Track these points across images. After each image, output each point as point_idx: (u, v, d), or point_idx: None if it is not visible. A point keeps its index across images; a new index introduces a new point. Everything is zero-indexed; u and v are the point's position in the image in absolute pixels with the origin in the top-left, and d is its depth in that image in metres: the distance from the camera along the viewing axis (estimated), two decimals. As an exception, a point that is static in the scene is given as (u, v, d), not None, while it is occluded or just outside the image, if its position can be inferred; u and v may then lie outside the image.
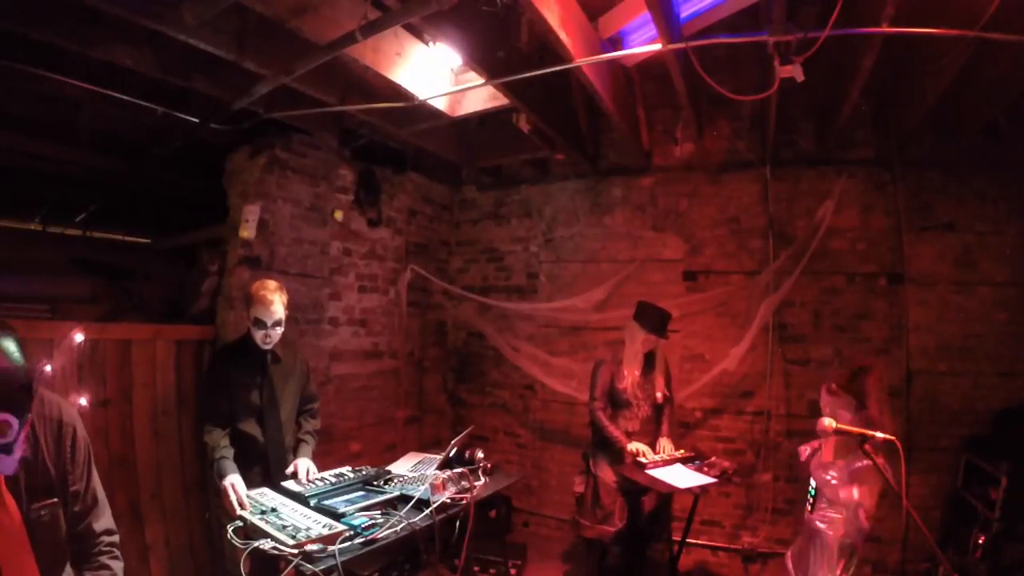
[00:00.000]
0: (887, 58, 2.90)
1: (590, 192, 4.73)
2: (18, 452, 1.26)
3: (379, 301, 4.44)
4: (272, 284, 2.61)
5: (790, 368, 4.04)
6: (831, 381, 2.54)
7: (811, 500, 2.43)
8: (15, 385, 1.23)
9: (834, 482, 2.29)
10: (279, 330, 2.61)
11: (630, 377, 3.31)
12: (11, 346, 1.27)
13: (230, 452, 2.46)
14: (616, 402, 3.33)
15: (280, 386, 2.71)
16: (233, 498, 2.25)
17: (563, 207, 4.84)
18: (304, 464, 2.63)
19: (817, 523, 2.34)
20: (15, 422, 1.22)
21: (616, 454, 3.21)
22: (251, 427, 2.61)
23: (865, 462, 1.98)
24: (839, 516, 2.25)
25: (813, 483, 2.43)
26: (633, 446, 3.13)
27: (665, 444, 3.31)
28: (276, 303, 2.56)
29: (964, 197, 3.79)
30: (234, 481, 2.31)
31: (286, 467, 2.66)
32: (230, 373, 2.62)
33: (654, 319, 3.27)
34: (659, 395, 3.37)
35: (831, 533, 2.28)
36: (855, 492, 2.26)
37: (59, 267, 3.76)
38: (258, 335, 2.58)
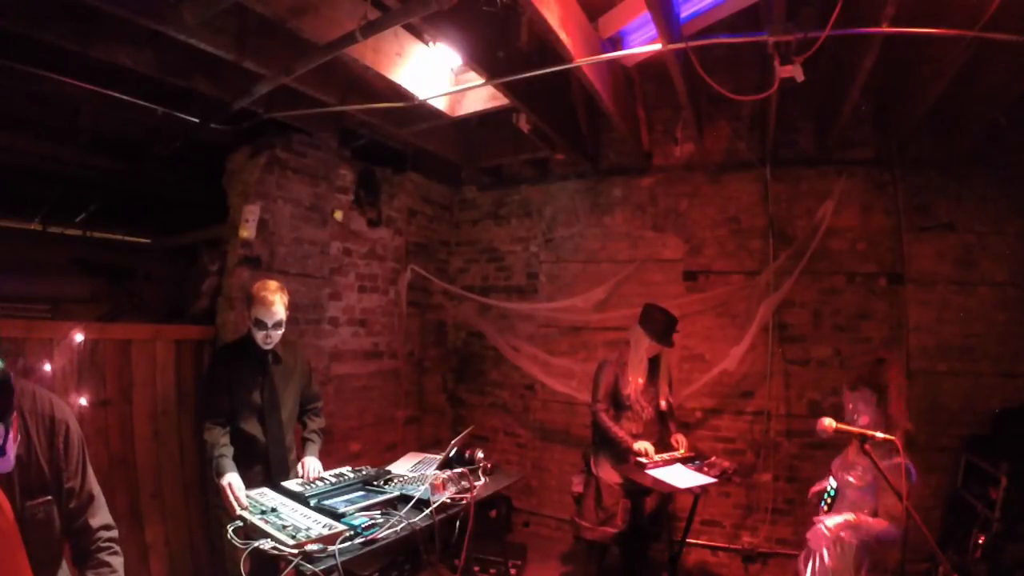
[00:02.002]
0: (887, 58, 2.90)
1: (590, 192, 4.73)
2: (11, 451, 1.25)
3: (379, 301, 4.44)
4: (273, 284, 2.60)
5: (790, 368, 4.04)
6: (850, 381, 2.48)
7: (828, 500, 2.35)
8: None
9: (856, 483, 2.21)
10: (280, 331, 2.61)
11: (634, 383, 3.29)
12: None
13: (229, 451, 2.46)
14: (619, 404, 3.33)
15: (281, 386, 2.70)
16: (231, 497, 2.25)
17: (563, 207, 4.84)
18: (311, 463, 2.64)
19: (835, 524, 2.26)
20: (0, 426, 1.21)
21: (620, 454, 3.20)
22: (252, 427, 2.61)
23: (894, 460, 1.92)
24: (860, 519, 2.16)
25: (833, 483, 2.34)
26: (639, 445, 3.13)
27: (682, 440, 3.35)
28: (277, 304, 2.55)
29: (964, 197, 3.79)
30: (232, 480, 2.31)
31: (287, 467, 2.66)
32: (231, 373, 2.62)
33: (659, 326, 3.24)
34: (663, 403, 3.38)
35: (848, 536, 2.18)
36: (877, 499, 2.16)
37: (59, 267, 3.76)
38: (259, 335, 2.58)
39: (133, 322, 3.36)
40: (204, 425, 2.55)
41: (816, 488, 2.56)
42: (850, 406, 2.43)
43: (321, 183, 3.86)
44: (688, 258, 4.36)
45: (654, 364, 3.36)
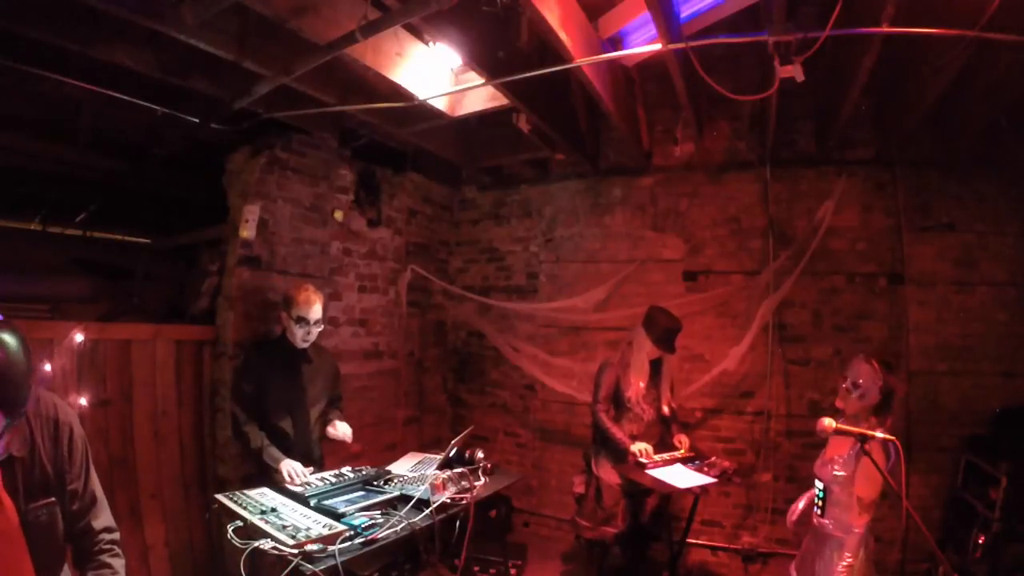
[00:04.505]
0: (887, 58, 2.90)
1: (590, 192, 4.73)
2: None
3: (379, 301, 4.44)
4: (311, 286, 2.84)
5: (790, 368, 4.04)
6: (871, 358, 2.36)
7: (819, 503, 2.34)
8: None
9: (842, 474, 2.21)
10: (320, 328, 2.82)
11: (635, 386, 3.28)
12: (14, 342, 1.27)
13: (268, 442, 2.69)
14: (621, 405, 3.32)
15: (311, 385, 2.86)
16: (297, 477, 2.52)
17: (563, 207, 4.84)
18: (343, 428, 2.91)
19: (830, 527, 2.26)
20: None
21: (619, 455, 3.20)
22: (282, 422, 2.76)
23: (872, 441, 1.92)
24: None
25: (820, 484, 2.34)
26: (637, 447, 3.12)
27: (685, 440, 3.34)
28: (318, 303, 2.80)
29: (964, 197, 3.79)
30: (292, 465, 2.58)
31: (313, 462, 2.80)
32: (264, 371, 2.78)
33: (661, 332, 3.20)
34: (665, 408, 3.37)
35: (844, 536, 2.19)
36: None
37: (59, 267, 3.76)
38: (299, 332, 2.76)
39: (133, 322, 3.36)
40: (241, 419, 2.75)
41: (793, 516, 2.55)
42: (852, 381, 2.32)
43: (321, 183, 3.86)
44: (688, 258, 4.36)
45: (656, 367, 3.34)
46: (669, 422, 3.43)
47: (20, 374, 1.23)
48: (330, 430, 2.94)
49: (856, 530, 2.13)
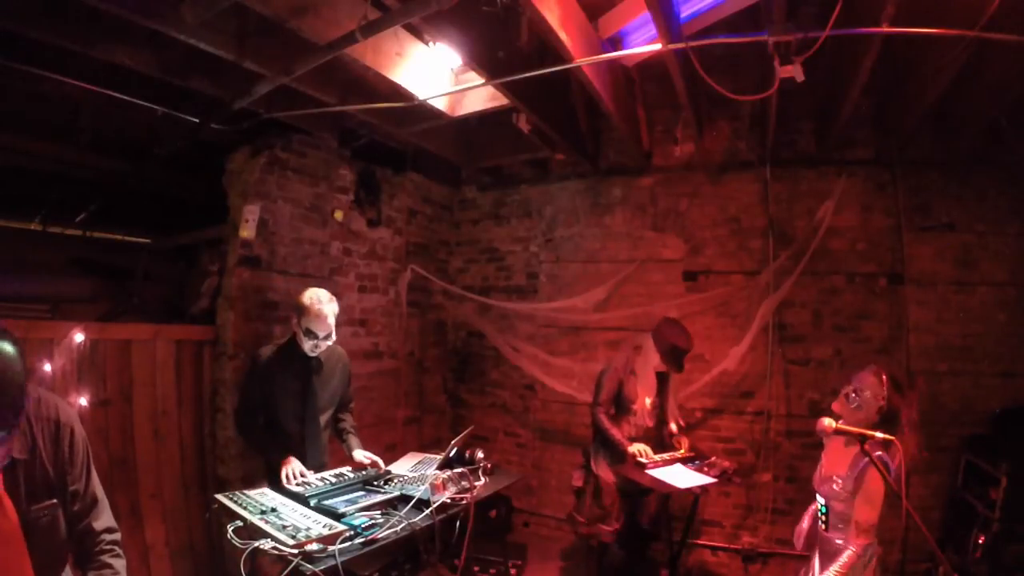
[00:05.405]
0: (887, 58, 2.91)
1: (590, 192, 4.73)
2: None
3: (379, 301, 4.44)
4: (325, 296, 2.67)
5: (790, 368, 4.04)
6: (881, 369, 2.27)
7: (823, 517, 2.30)
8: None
9: (841, 494, 2.16)
10: (330, 342, 2.70)
11: (641, 401, 3.27)
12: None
13: (275, 443, 2.68)
14: (620, 407, 3.32)
15: (321, 391, 2.79)
16: (292, 472, 2.48)
17: (563, 207, 4.84)
18: (368, 454, 2.82)
19: (837, 542, 2.22)
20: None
21: (618, 456, 3.20)
22: (291, 427, 2.71)
23: (873, 454, 1.88)
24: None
25: (821, 500, 2.30)
26: (635, 448, 3.12)
27: (684, 441, 3.35)
28: (331, 318, 2.65)
29: (964, 197, 3.79)
30: (293, 463, 2.54)
31: (321, 467, 2.77)
32: (273, 377, 2.69)
33: (667, 348, 3.18)
34: (673, 426, 3.38)
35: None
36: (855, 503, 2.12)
37: (59, 267, 3.76)
38: (307, 344, 2.65)
39: (133, 322, 3.36)
40: (242, 421, 2.75)
41: (801, 534, 2.50)
42: (853, 388, 2.23)
43: (321, 183, 3.86)
44: (688, 258, 4.36)
45: (662, 379, 3.34)
46: (668, 427, 3.43)
47: (14, 384, 1.21)
48: (357, 456, 2.84)
49: (852, 549, 2.07)
